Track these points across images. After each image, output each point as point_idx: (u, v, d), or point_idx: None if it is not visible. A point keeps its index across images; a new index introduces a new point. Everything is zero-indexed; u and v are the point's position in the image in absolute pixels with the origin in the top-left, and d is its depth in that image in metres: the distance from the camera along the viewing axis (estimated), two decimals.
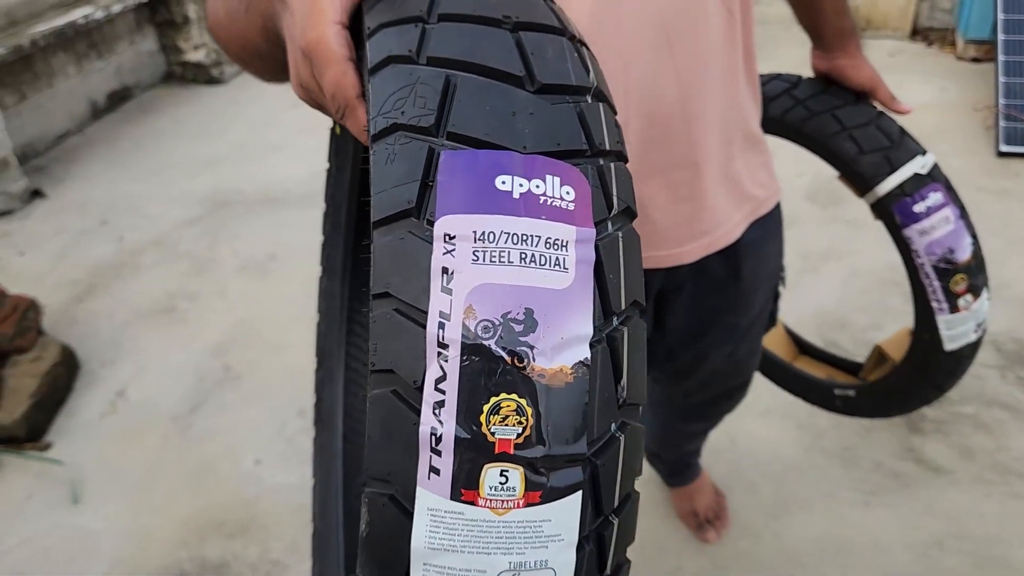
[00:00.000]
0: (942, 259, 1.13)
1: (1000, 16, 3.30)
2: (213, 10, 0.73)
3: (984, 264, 1.17)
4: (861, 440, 1.94)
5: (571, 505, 0.42)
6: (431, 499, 0.41)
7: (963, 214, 1.15)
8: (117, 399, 2.19)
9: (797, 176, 2.93)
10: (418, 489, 0.41)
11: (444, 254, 0.41)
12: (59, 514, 1.87)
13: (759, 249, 1.08)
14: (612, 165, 0.47)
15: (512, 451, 0.40)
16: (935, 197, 1.13)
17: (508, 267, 0.41)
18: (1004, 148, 3.02)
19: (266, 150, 3.50)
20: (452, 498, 0.40)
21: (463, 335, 0.40)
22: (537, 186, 0.43)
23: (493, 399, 0.40)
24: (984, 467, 1.85)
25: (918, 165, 1.14)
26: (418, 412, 0.41)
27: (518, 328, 0.41)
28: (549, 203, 0.43)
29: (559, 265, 0.42)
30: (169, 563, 1.74)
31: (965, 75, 3.70)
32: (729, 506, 1.79)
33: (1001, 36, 3.26)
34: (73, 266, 2.77)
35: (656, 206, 0.94)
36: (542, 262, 0.42)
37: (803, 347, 1.70)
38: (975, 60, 3.77)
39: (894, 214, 1.15)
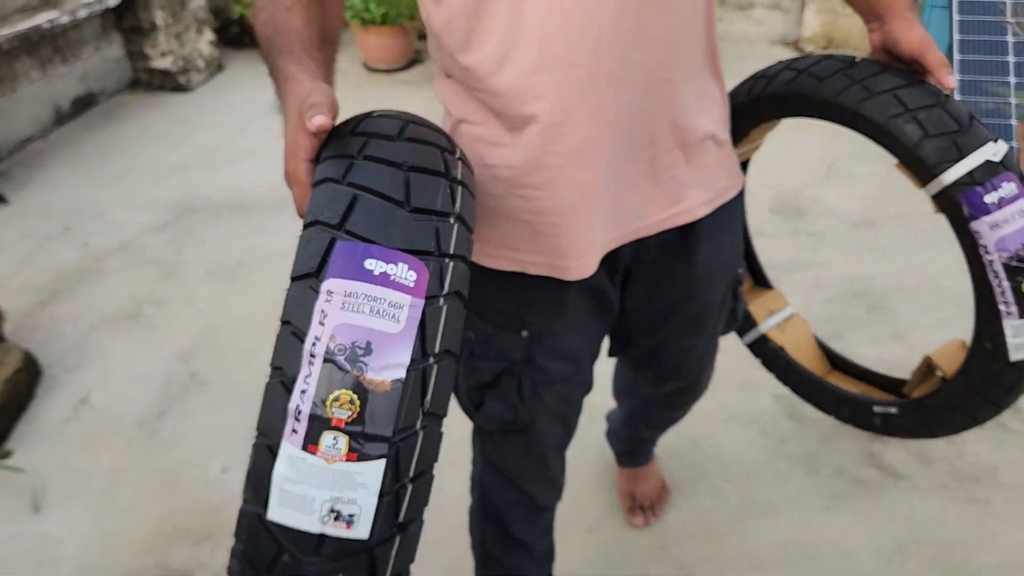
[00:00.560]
0: (1015, 256, 1.01)
1: (956, 37, 3.40)
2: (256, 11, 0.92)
3: None
4: (823, 446, 1.98)
5: (377, 467, 0.64)
6: (289, 448, 0.64)
7: None
8: (81, 405, 2.16)
9: (763, 188, 2.98)
10: (282, 442, 0.64)
11: (324, 302, 0.66)
12: (22, 522, 1.84)
13: (716, 236, 1.12)
14: (451, 263, 0.70)
15: (343, 426, 0.64)
16: (1009, 187, 1.01)
17: (361, 315, 0.65)
18: None
19: (235, 157, 3.48)
20: (302, 449, 0.64)
21: (325, 352, 0.64)
22: (391, 268, 0.67)
23: (335, 392, 0.64)
24: (943, 473, 1.90)
25: (990, 152, 1.02)
26: (290, 394, 0.64)
27: (360, 352, 0.65)
28: (396, 280, 0.67)
29: (395, 319, 0.66)
30: (134, 569, 1.72)
31: None
32: (693, 508, 1.82)
33: (957, 56, 3.35)
34: (36, 272, 2.73)
35: (625, 182, 0.99)
36: (384, 315, 0.66)
37: (836, 362, 1.56)
38: None
39: (961, 204, 1.03)
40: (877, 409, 1.35)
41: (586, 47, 0.87)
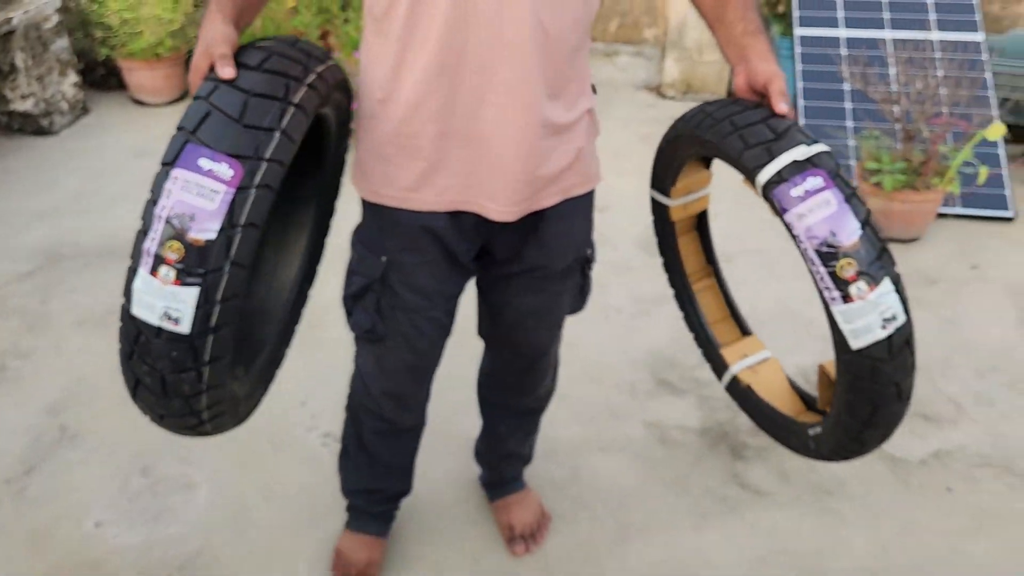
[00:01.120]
0: (824, 242, 1.07)
1: (799, 84, 3.69)
2: None
3: (886, 254, 1.09)
4: (692, 469, 2.10)
5: (193, 292, 0.97)
6: (143, 272, 0.97)
7: (850, 199, 1.09)
8: None
9: (630, 226, 3.13)
10: (139, 268, 0.97)
11: (171, 183, 0.97)
12: None
13: (564, 217, 1.38)
14: (265, 164, 0.99)
15: (173, 264, 0.96)
16: (814, 181, 1.09)
17: (190, 195, 0.96)
18: None
19: (104, 202, 3.38)
20: (149, 274, 0.97)
21: (167, 216, 0.96)
22: (216, 166, 0.97)
23: (169, 241, 0.96)
24: (800, 488, 2.05)
25: (799, 153, 1.11)
26: (145, 238, 0.97)
27: (188, 219, 0.96)
28: (216, 174, 0.97)
29: (211, 200, 0.96)
30: None
31: None
32: (574, 534, 1.90)
33: (801, 102, 3.64)
34: None
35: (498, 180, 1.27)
36: (205, 196, 0.96)
37: (811, 403, 1.45)
38: None
39: (774, 201, 1.11)
40: (810, 432, 1.32)
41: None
